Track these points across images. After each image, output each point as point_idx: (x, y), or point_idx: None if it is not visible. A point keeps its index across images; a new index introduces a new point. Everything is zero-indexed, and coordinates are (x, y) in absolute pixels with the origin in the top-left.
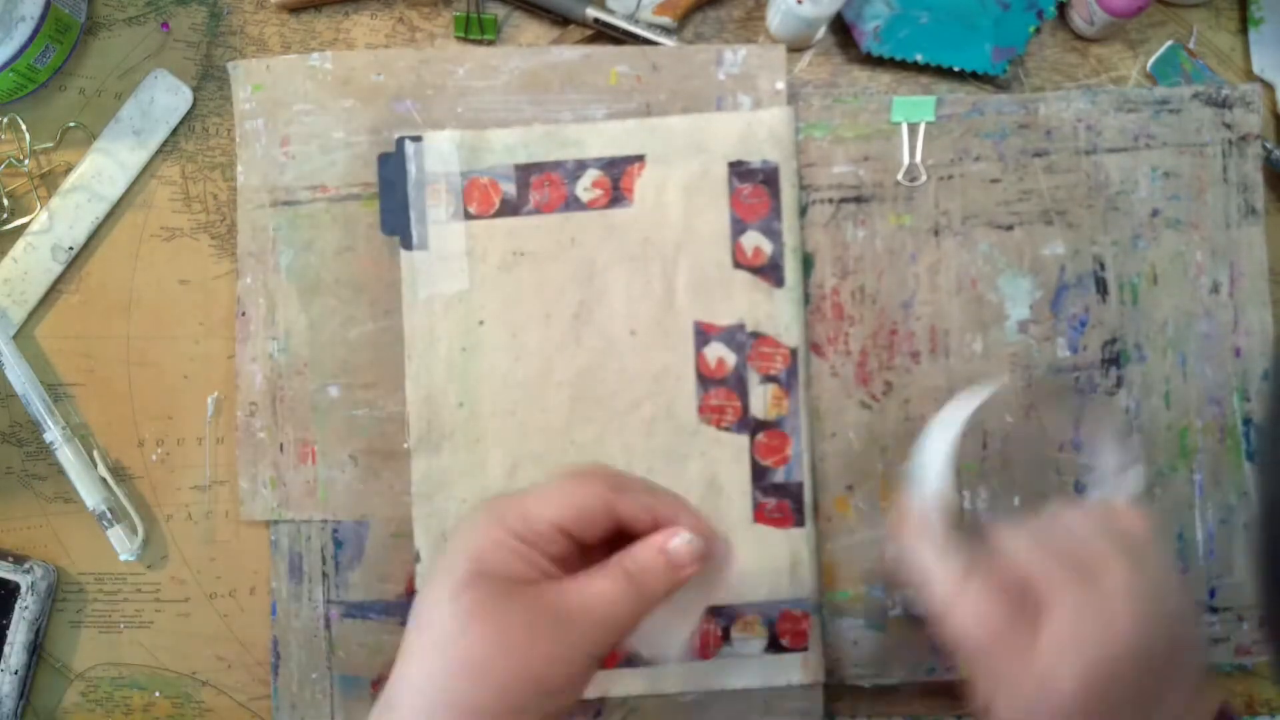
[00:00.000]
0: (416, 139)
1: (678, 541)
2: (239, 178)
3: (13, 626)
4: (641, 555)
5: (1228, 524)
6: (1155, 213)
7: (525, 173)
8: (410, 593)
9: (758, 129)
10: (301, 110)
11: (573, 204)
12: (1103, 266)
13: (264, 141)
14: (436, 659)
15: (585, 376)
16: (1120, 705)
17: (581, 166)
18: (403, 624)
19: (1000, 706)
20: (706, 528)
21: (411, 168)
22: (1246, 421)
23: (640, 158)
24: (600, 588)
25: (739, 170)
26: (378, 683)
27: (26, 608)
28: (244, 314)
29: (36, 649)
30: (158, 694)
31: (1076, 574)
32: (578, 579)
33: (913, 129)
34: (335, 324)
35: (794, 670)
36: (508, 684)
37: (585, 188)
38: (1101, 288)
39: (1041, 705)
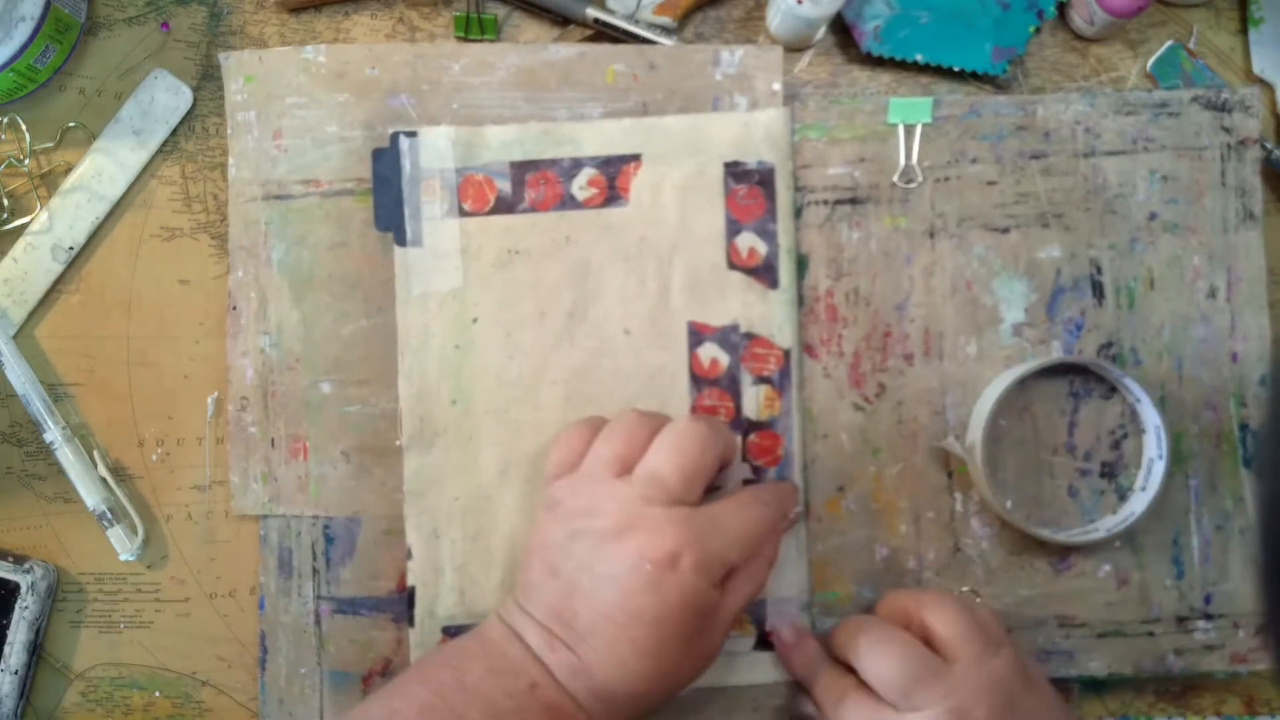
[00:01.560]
0: (411, 134)
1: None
2: (230, 170)
3: (13, 626)
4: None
5: (1224, 530)
6: (1153, 216)
7: (521, 170)
8: (401, 589)
9: (754, 130)
10: (295, 103)
11: (568, 202)
12: (1099, 270)
13: (256, 134)
14: (641, 652)
15: (579, 376)
16: None
17: (577, 165)
18: (394, 620)
19: None
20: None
21: (406, 163)
22: (1243, 427)
23: (636, 157)
24: (748, 595)
25: (734, 171)
26: (368, 678)
27: (26, 608)
28: (235, 308)
29: (36, 649)
30: (158, 694)
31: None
32: (731, 594)
33: (909, 130)
34: (328, 320)
35: (783, 668)
36: (679, 686)
37: (581, 186)
38: (1098, 291)
39: None
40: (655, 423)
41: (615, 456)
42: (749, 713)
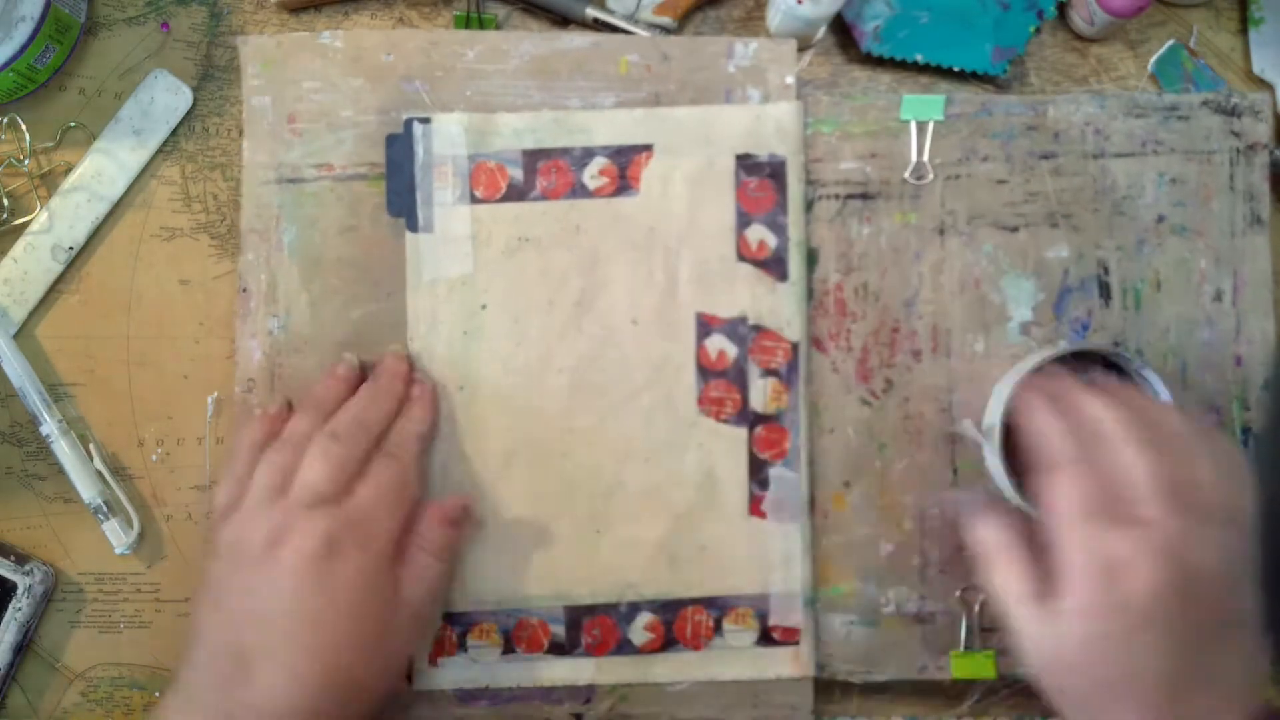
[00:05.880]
0: (425, 120)
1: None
2: (244, 153)
3: (3, 626)
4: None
5: None
6: (1161, 218)
7: (533, 158)
8: None
9: (766, 122)
10: (310, 88)
11: (579, 191)
12: (1106, 271)
13: (271, 118)
14: (313, 655)
15: (585, 364)
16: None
17: (589, 154)
18: None
19: (1029, 659)
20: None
21: (419, 149)
22: (1245, 431)
23: (648, 147)
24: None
25: (746, 163)
26: None
27: (20, 609)
28: (245, 290)
29: (22, 651)
30: (158, 694)
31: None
32: (410, 570)
33: (921, 127)
34: (337, 303)
35: (784, 664)
36: (363, 693)
37: (592, 175)
38: (1105, 292)
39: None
40: (304, 442)
41: (271, 484)
42: (749, 709)
